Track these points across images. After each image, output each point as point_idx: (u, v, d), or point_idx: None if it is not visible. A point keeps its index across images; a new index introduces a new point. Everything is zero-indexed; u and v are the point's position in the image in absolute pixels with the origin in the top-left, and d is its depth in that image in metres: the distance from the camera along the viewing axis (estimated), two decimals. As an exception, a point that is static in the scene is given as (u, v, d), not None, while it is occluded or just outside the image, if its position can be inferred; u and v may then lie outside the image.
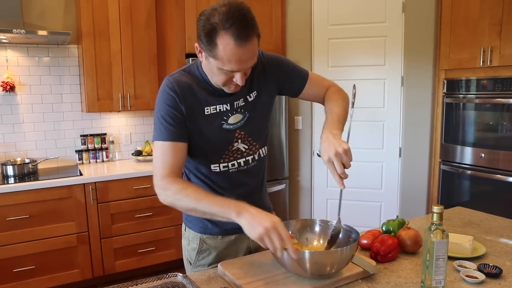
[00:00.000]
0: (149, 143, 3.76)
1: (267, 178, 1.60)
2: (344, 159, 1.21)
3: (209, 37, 1.16)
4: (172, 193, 1.28)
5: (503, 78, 2.96)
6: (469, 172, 3.25)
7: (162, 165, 1.30)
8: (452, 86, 3.31)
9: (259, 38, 1.21)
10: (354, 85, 1.42)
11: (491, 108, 3.08)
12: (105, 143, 3.68)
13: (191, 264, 1.52)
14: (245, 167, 1.45)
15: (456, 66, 3.26)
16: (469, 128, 3.24)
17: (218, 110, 1.36)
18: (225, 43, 1.14)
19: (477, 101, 3.15)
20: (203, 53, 1.24)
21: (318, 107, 3.70)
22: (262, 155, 1.50)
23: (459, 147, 3.31)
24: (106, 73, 3.31)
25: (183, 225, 1.57)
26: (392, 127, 3.58)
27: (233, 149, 1.41)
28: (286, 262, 1.18)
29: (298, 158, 3.85)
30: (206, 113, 1.35)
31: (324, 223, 1.40)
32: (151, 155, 3.60)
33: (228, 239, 1.48)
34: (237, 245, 1.50)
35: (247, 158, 1.44)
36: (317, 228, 1.40)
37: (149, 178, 3.23)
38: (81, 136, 3.59)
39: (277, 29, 3.73)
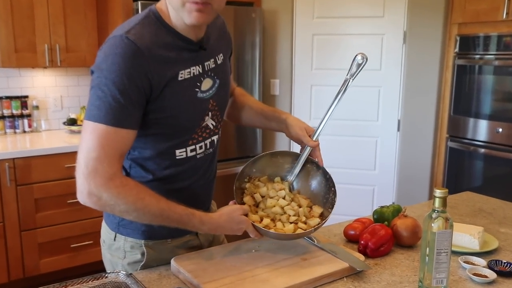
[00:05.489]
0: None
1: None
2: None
3: None
4: (126, 202, 1.24)
5: (528, 36, 3.02)
6: (482, 150, 3.34)
7: (106, 160, 1.22)
8: (467, 44, 3.36)
9: None
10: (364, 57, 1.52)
11: (512, 73, 3.15)
12: (27, 109, 3.59)
13: None
14: (210, 149, 1.48)
15: (473, 19, 3.29)
16: (485, 97, 3.31)
17: (192, 75, 1.35)
18: None
19: (496, 63, 3.21)
20: None
21: (299, 68, 3.70)
22: (219, 136, 1.55)
23: (471, 120, 3.39)
24: (26, 17, 3.20)
25: (111, 234, 1.48)
26: (390, 95, 3.62)
27: (203, 125, 1.41)
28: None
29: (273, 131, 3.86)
30: (180, 78, 1.32)
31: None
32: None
33: (179, 241, 1.48)
34: (190, 248, 1.50)
35: (212, 138, 1.47)
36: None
37: (84, 154, 3.19)
38: (-6, 99, 3.50)
39: (251, -33, 3.68)
